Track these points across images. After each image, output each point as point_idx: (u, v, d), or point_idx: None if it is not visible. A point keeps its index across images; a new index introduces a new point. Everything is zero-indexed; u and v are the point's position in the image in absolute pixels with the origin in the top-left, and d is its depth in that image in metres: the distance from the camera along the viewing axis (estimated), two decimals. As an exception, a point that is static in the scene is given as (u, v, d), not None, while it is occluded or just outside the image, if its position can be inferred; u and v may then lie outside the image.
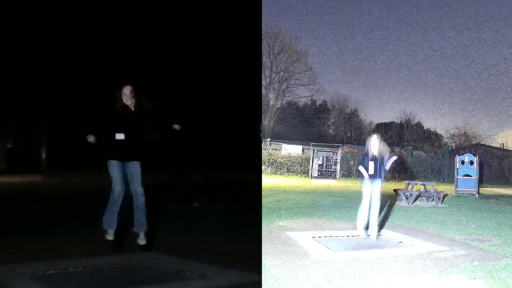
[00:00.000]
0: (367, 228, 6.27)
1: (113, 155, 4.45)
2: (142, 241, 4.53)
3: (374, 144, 6.25)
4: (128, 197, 4.65)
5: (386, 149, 6.37)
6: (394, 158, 6.44)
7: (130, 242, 4.83)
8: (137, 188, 4.49)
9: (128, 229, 4.84)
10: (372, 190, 6.18)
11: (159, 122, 4.85)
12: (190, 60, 18.47)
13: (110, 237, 4.53)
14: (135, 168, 4.47)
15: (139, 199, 4.51)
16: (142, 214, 4.51)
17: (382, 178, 6.24)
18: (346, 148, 29.57)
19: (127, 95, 4.55)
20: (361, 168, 6.36)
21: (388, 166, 6.21)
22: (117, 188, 4.45)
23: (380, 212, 6.42)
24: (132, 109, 4.54)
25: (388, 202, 10.42)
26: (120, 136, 4.42)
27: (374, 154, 6.21)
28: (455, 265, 4.50)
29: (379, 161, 6.18)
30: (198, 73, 18.10)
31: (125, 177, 4.52)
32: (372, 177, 6.20)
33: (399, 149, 30.34)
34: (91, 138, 4.44)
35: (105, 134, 4.48)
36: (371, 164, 6.19)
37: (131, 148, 4.48)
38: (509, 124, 60.68)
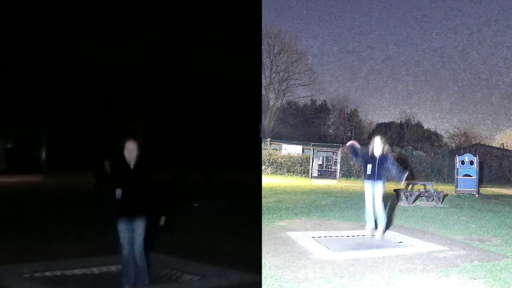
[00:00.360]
0: (374, 228, 6.26)
1: (118, 212, 4.37)
2: None
3: (377, 146, 6.16)
4: None
5: (388, 152, 6.29)
6: (406, 174, 6.38)
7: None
8: (137, 252, 4.37)
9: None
10: (373, 192, 6.10)
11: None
12: (190, 60, 18.47)
13: None
14: (138, 229, 4.35)
15: (139, 260, 4.41)
16: (143, 274, 4.42)
17: (383, 180, 6.12)
18: (346, 148, 29.55)
19: (129, 150, 4.44)
20: (351, 142, 6.43)
21: (402, 177, 6.20)
22: (125, 247, 4.36)
23: (385, 214, 6.36)
24: (132, 166, 4.43)
25: (389, 202, 10.42)
26: (118, 192, 4.34)
27: (375, 156, 6.13)
28: (455, 265, 4.50)
29: (378, 163, 6.09)
30: (198, 73, 18.11)
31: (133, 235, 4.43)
32: (370, 178, 6.11)
33: (399, 149, 30.32)
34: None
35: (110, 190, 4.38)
36: (369, 166, 6.10)
37: (134, 204, 4.39)
38: (509, 124, 60.71)
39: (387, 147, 6.28)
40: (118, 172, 4.38)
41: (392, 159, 6.25)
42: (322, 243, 5.52)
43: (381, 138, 6.26)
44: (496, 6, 60.62)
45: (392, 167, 6.19)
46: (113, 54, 17.44)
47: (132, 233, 4.32)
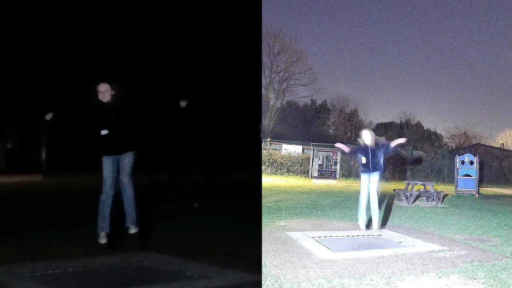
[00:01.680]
0: (368, 224, 6.28)
1: (104, 150, 4.35)
2: (133, 230, 4.38)
3: (366, 138, 6.30)
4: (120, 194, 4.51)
5: (380, 142, 6.41)
6: (401, 140, 6.49)
7: (128, 241, 4.82)
8: (124, 178, 4.29)
9: (121, 228, 4.76)
10: (369, 184, 6.20)
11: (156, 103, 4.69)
12: (190, 60, 18.47)
13: (102, 240, 4.40)
14: (127, 159, 4.33)
15: (127, 191, 4.31)
16: (130, 207, 4.37)
17: (380, 171, 6.22)
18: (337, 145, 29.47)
19: (101, 93, 4.44)
20: (339, 144, 6.54)
21: (393, 144, 6.27)
22: (107, 187, 4.33)
23: (380, 206, 6.44)
24: (108, 103, 4.39)
25: (388, 202, 10.42)
26: (104, 132, 4.33)
27: (367, 147, 6.25)
28: (455, 265, 4.50)
29: (371, 154, 6.20)
30: (198, 73, 18.10)
31: (118, 174, 4.38)
32: (366, 170, 6.21)
33: (399, 149, 30.28)
34: (48, 116, 4.32)
35: (92, 132, 4.38)
36: (364, 158, 6.22)
37: (121, 141, 4.36)
38: (509, 124, 60.70)
39: (378, 138, 6.42)
40: (100, 116, 4.34)
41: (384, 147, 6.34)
42: (322, 243, 5.52)
43: (369, 131, 6.40)
44: (496, 6, 60.62)
45: (384, 150, 6.31)
46: (113, 54, 17.43)
47: (117, 167, 4.28)
